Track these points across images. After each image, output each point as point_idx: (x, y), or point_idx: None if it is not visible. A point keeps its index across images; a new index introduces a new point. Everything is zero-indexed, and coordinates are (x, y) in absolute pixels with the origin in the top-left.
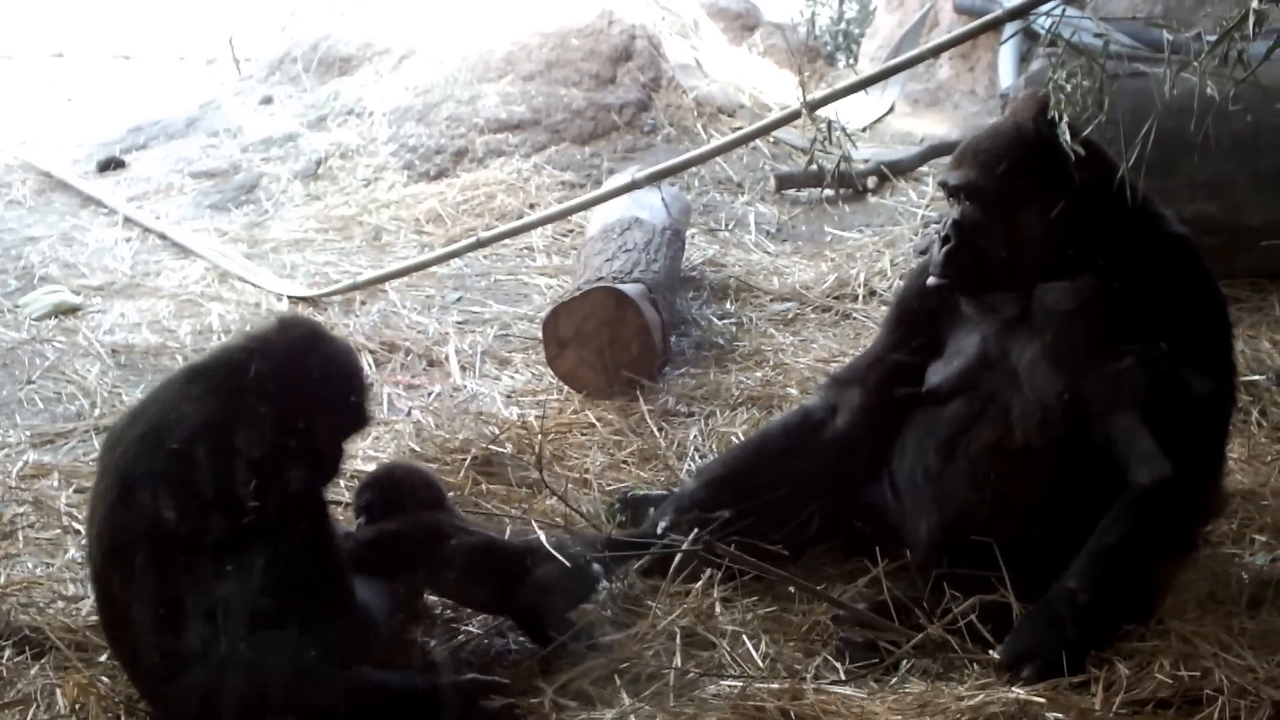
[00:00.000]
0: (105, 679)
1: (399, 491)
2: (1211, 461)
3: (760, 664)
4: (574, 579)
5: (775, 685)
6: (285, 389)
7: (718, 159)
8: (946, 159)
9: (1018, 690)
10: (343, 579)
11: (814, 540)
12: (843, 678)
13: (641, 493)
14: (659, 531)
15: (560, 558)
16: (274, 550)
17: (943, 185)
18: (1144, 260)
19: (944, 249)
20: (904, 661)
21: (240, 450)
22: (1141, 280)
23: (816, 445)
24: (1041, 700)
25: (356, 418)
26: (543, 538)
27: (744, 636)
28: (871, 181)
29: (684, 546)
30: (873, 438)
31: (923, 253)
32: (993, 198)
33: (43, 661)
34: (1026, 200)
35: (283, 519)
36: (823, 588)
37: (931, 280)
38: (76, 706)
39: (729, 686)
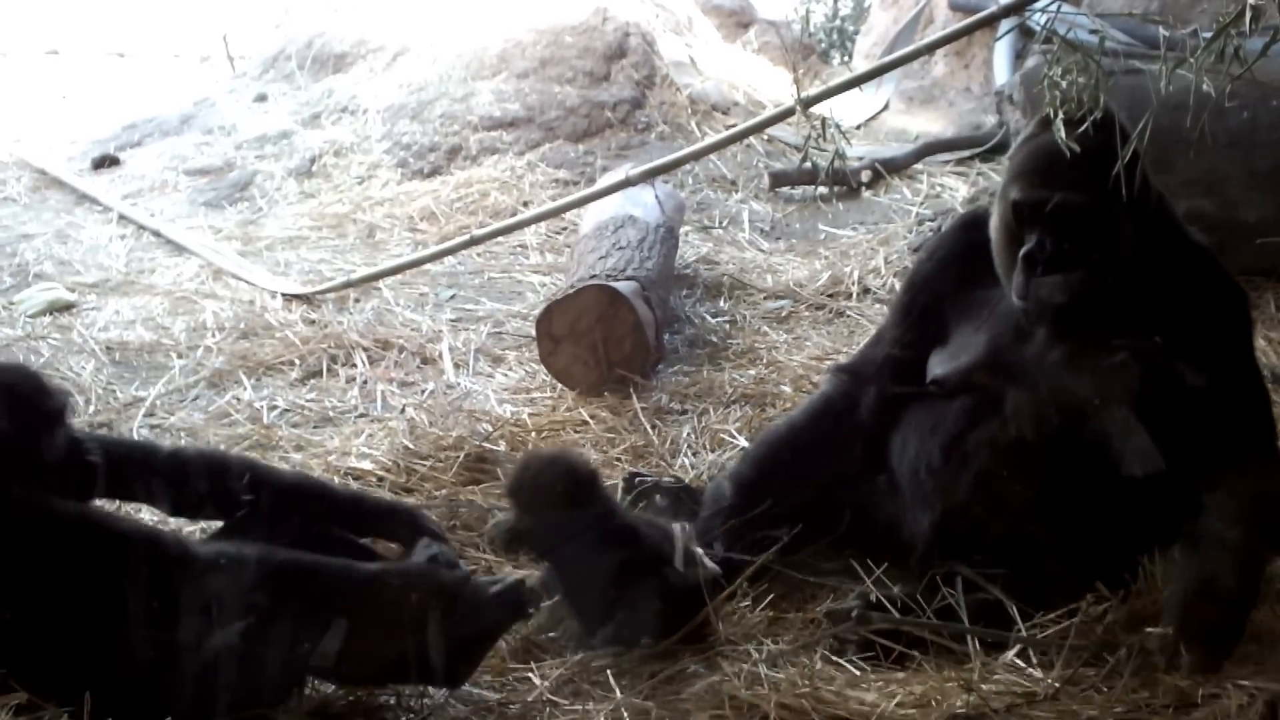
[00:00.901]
0: None
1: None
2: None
3: (758, 658)
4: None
5: (779, 675)
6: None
7: (711, 156)
8: (942, 156)
9: (1024, 684)
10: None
11: (845, 539)
12: (853, 672)
13: (650, 478)
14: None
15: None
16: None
17: (1025, 206)
18: (1162, 257)
19: (1033, 272)
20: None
21: None
22: (1162, 276)
23: (844, 440)
24: (1038, 694)
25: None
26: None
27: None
28: (866, 175)
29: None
30: (888, 432)
31: (915, 250)
32: (1091, 221)
33: None
34: (1119, 223)
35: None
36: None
37: (1017, 301)
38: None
39: (725, 681)
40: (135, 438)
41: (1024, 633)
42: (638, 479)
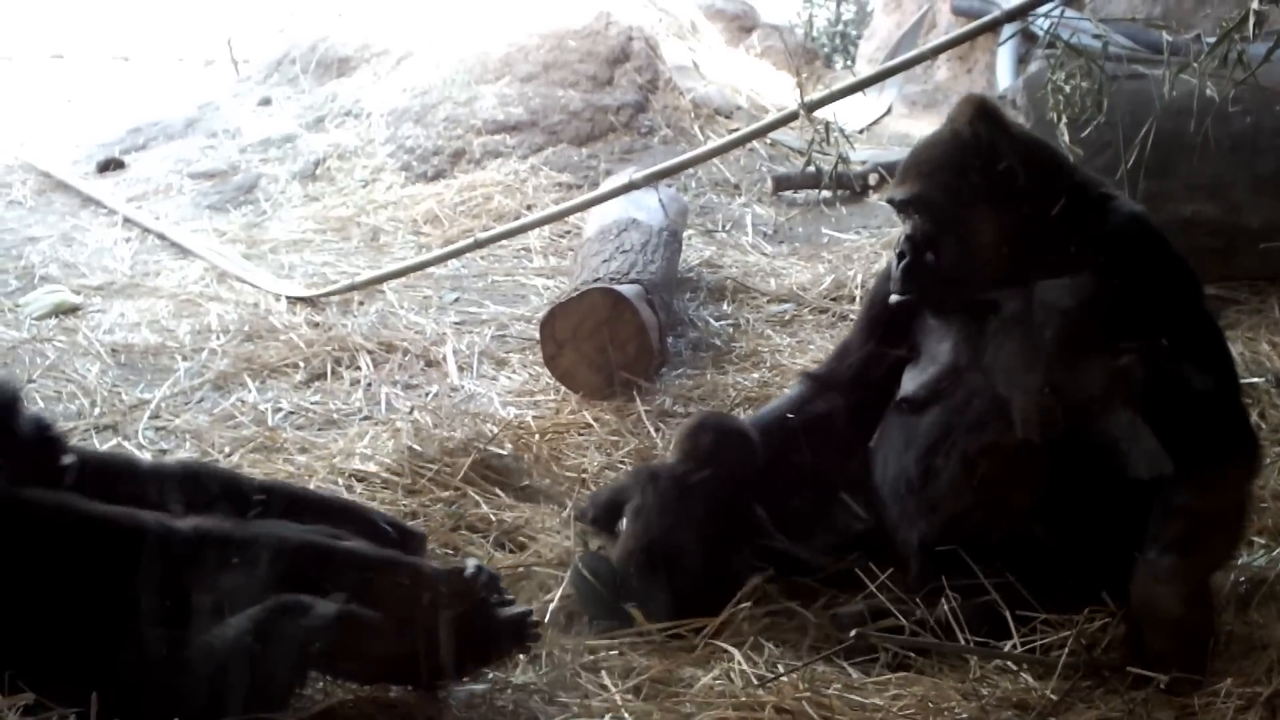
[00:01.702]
0: None
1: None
2: (1235, 425)
3: (759, 662)
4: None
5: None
6: None
7: (715, 160)
8: None
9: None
10: None
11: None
12: (853, 676)
13: (608, 491)
14: None
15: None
16: None
17: (890, 202)
18: (1102, 248)
19: (901, 265)
20: (909, 659)
21: None
22: (1102, 268)
23: (816, 446)
24: (1034, 703)
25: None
26: None
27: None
28: (874, 179)
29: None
30: (858, 443)
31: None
32: (939, 209)
33: None
34: (973, 207)
35: None
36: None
37: (894, 297)
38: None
39: (727, 684)
40: (150, 459)
41: (1019, 647)
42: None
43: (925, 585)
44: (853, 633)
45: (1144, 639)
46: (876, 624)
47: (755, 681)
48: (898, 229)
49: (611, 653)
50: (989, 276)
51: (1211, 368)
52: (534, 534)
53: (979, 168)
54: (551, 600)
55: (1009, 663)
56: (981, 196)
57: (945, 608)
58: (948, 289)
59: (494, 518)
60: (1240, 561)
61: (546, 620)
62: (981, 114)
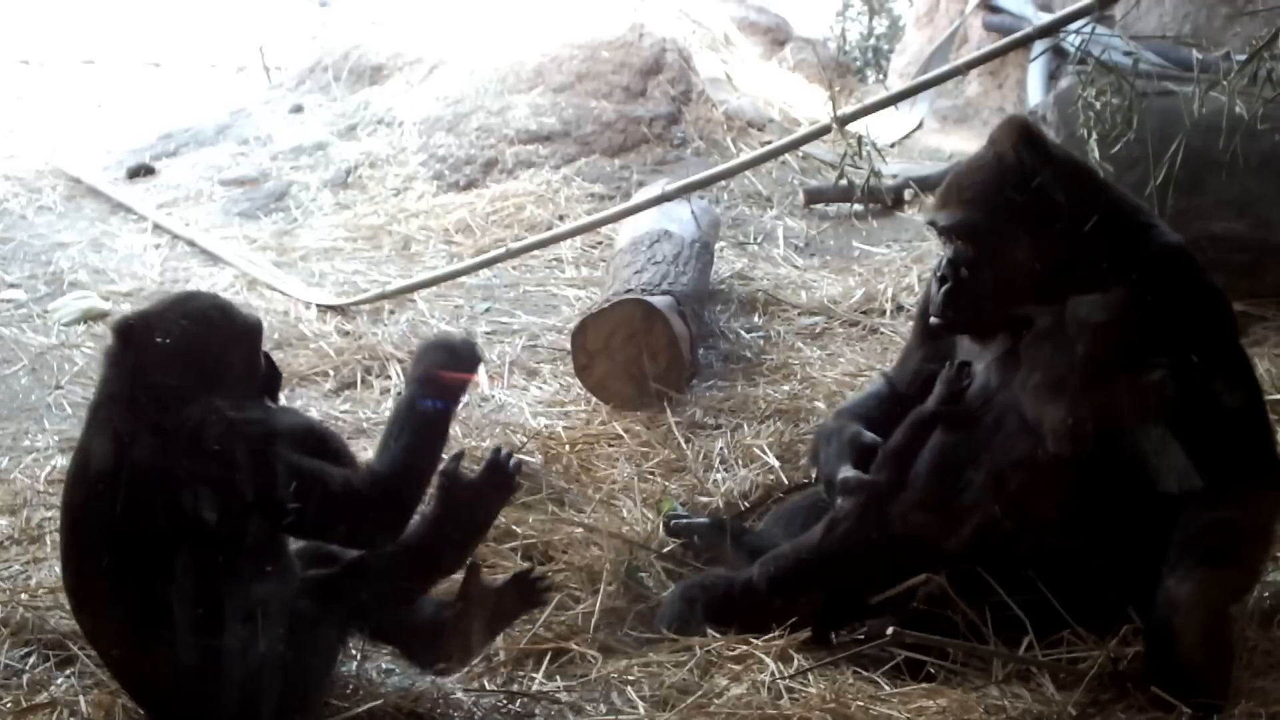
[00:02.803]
0: None
1: None
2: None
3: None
4: None
5: (809, 689)
6: (196, 356)
7: (747, 173)
8: None
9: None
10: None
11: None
12: (881, 686)
13: (684, 520)
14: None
15: None
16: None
17: (932, 225)
18: (1140, 274)
19: (942, 289)
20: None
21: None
22: (1139, 293)
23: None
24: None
25: (247, 335)
26: None
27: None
28: (908, 194)
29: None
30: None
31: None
32: (983, 234)
33: (69, 670)
34: (1016, 232)
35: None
36: None
37: (933, 320)
38: (102, 716)
39: (752, 695)
40: None
41: (1039, 654)
42: (673, 520)
43: (955, 597)
44: (889, 630)
45: (1165, 661)
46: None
47: (782, 692)
48: (928, 243)
49: (636, 662)
50: (1028, 298)
51: (1240, 391)
52: (563, 545)
53: (1022, 194)
54: (582, 609)
55: (1033, 670)
56: (1024, 223)
57: (974, 618)
58: (987, 312)
59: (520, 529)
60: (1265, 578)
61: (584, 631)
62: (1024, 138)
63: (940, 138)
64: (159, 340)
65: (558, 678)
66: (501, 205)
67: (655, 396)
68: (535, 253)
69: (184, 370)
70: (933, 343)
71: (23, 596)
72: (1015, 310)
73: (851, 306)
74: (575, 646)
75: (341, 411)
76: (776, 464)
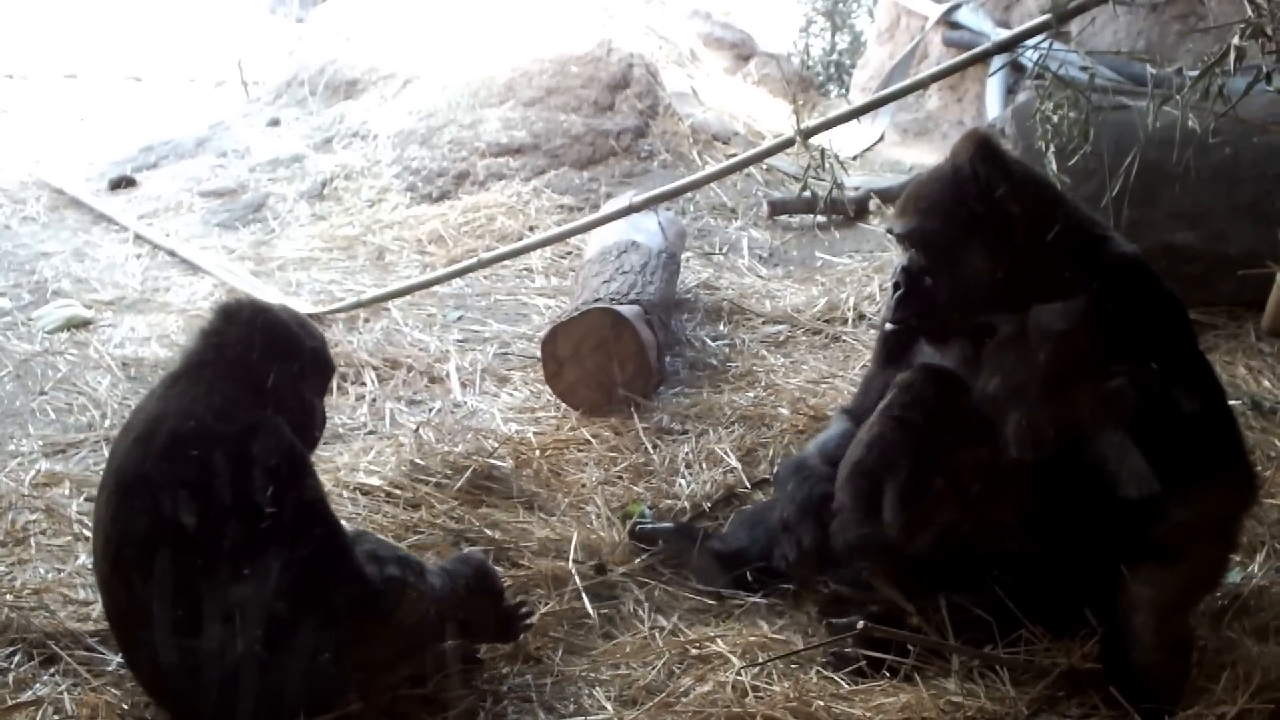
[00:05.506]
0: (114, 689)
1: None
2: (1228, 455)
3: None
4: None
5: (773, 687)
6: (256, 365)
7: (712, 185)
8: None
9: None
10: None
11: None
12: (841, 685)
13: (649, 526)
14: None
15: None
16: (283, 540)
17: (889, 233)
18: (1098, 283)
19: (895, 295)
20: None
21: (231, 438)
22: (1097, 302)
23: None
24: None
25: (326, 367)
26: None
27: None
28: (870, 206)
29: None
30: None
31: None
32: (937, 242)
33: (53, 669)
34: (970, 242)
35: (287, 505)
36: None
37: (887, 325)
38: (86, 714)
39: (718, 694)
40: None
41: (1000, 650)
42: (639, 526)
43: (916, 598)
44: (860, 623)
45: (1123, 662)
46: (871, 631)
47: (748, 690)
48: (889, 253)
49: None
50: (983, 307)
51: (1199, 394)
52: (533, 547)
53: (978, 205)
54: (549, 609)
55: (990, 669)
56: (979, 233)
57: (936, 618)
58: (941, 318)
59: (491, 533)
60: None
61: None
62: (983, 151)
63: (901, 150)
64: (261, 328)
65: (529, 677)
66: (473, 216)
67: (623, 403)
68: (506, 262)
69: (271, 363)
70: (894, 367)
71: (8, 597)
72: (972, 318)
73: (814, 315)
74: (545, 649)
75: None
76: (738, 466)
